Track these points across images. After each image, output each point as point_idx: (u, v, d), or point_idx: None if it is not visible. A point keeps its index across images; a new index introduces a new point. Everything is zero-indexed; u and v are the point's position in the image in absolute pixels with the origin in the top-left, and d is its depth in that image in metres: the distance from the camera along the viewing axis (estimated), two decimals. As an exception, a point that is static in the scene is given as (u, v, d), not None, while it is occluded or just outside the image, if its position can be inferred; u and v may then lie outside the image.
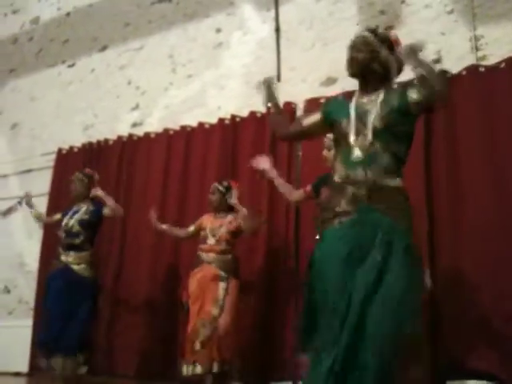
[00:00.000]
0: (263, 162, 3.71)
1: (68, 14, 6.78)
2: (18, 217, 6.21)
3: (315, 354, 2.07)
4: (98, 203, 4.49)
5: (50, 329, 4.20)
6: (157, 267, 4.99)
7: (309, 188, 3.60)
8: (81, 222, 4.40)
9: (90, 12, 6.54)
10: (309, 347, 2.14)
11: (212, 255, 3.92)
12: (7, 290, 6.21)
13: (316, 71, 4.82)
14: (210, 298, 3.79)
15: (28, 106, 6.76)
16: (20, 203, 5.82)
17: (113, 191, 5.32)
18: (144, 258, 5.07)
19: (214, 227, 4.00)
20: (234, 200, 3.97)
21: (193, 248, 4.74)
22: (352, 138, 2.23)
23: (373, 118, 2.21)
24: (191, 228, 4.21)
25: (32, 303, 5.67)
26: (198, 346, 3.71)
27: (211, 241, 3.96)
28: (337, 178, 2.26)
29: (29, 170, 6.39)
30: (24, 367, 5.43)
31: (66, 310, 4.19)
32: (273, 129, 2.56)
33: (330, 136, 3.42)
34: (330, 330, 2.03)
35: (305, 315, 2.20)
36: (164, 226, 4.37)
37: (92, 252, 4.45)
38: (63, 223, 4.46)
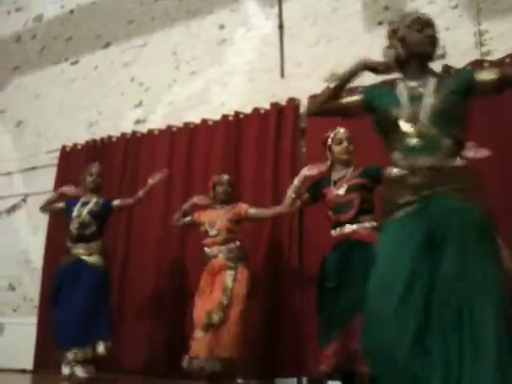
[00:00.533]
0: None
1: (71, 12, 6.78)
2: (22, 214, 6.23)
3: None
4: (107, 199, 4.57)
5: (73, 324, 4.17)
6: (162, 261, 4.99)
7: (305, 196, 3.49)
8: (92, 214, 4.44)
9: (94, 9, 6.54)
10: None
11: (216, 248, 3.91)
12: (12, 288, 6.22)
13: (320, 67, 4.80)
14: (219, 287, 3.75)
15: (32, 103, 6.77)
16: (24, 200, 5.84)
17: (117, 188, 5.35)
18: (149, 252, 5.07)
19: (212, 219, 4.00)
20: None
21: (198, 242, 4.76)
22: (407, 125, 2.10)
23: (428, 102, 2.10)
24: (188, 218, 4.21)
25: (37, 300, 5.69)
26: (200, 333, 3.69)
27: (212, 233, 3.95)
28: (395, 170, 2.11)
29: (33, 168, 6.40)
30: (29, 364, 5.44)
31: (85, 302, 4.20)
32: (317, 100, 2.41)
33: (341, 130, 3.42)
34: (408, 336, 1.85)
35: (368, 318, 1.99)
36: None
37: (102, 242, 4.49)
38: (74, 214, 4.46)
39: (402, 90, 2.17)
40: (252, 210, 4.00)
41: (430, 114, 2.08)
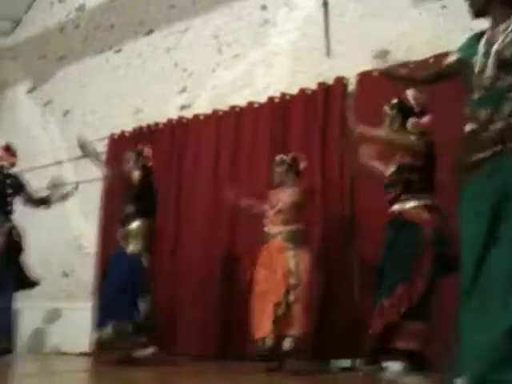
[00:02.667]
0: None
1: (113, 0, 6.82)
2: (74, 201, 6.36)
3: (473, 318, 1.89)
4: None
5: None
6: (213, 246, 5.04)
7: None
8: (129, 196, 4.49)
9: (135, -4, 6.57)
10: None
11: (276, 228, 3.90)
12: (66, 274, 6.41)
13: (367, 44, 4.67)
14: (281, 271, 3.73)
15: (78, 92, 6.88)
16: (76, 188, 5.96)
17: (164, 173, 5.40)
18: (199, 237, 5.12)
19: (275, 200, 3.98)
20: None
21: (249, 225, 4.78)
22: (477, 77, 2.00)
23: (495, 50, 1.97)
24: (266, 206, 4.12)
25: (90, 286, 5.83)
26: (270, 320, 3.66)
27: (273, 213, 3.94)
28: (467, 126, 2.01)
29: (82, 156, 6.51)
30: (85, 348, 5.59)
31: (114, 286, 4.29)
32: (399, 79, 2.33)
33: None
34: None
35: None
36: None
37: (138, 224, 4.43)
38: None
39: (483, 40, 2.06)
40: None
41: (494, 63, 1.96)
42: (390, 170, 3.32)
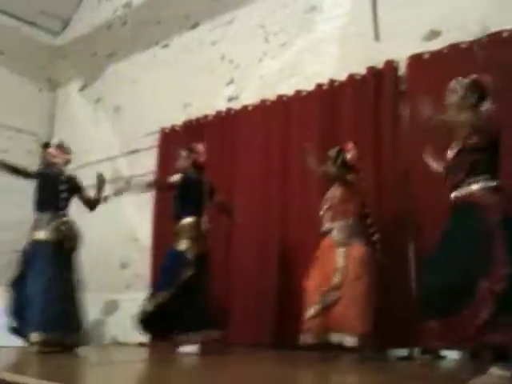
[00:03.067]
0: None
1: (158, -5, 6.89)
2: (128, 196, 6.50)
3: None
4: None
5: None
6: (265, 237, 5.04)
7: None
8: (174, 196, 4.53)
9: (180, -10, 6.61)
10: None
11: (328, 224, 3.89)
12: (124, 266, 6.56)
13: (417, 26, 4.58)
14: (330, 266, 3.74)
15: (128, 88, 7.00)
16: (129, 183, 6.08)
17: (214, 166, 5.42)
18: (251, 228, 5.13)
19: (327, 197, 3.97)
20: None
21: (299, 218, 4.77)
22: None
23: None
24: None
25: (148, 277, 5.94)
26: (312, 313, 3.69)
27: (325, 208, 3.93)
28: None
29: (134, 151, 6.65)
30: (143, 338, 5.70)
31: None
32: None
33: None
34: None
35: None
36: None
37: (185, 222, 4.46)
38: None
39: None
40: None
41: None
42: (452, 152, 3.16)
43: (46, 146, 4.75)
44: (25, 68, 7.93)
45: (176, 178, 4.43)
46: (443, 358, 3.90)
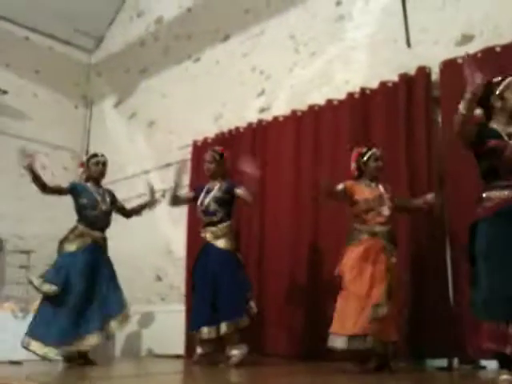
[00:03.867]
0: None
1: (189, 10, 7.00)
2: (162, 208, 6.56)
3: None
4: (231, 180, 4.58)
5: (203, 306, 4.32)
6: (298, 246, 5.02)
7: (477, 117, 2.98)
8: (216, 200, 4.48)
9: (210, 4, 6.70)
10: None
11: (378, 227, 3.78)
12: (159, 278, 6.62)
13: (449, 30, 4.52)
14: (381, 272, 3.63)
15: (161, 103, 7.10)
16: (163, 196, 6.14)
17: (247, 177, 5.42)
18: (284, 239, 5.11)
19: (374, 198, 3.85)
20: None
21: (331, 223, 4.72)
22: None
23: None
24: (340, 186, 3.98)
25: (183, 289, 5.98)
26: (369, 320, 3.55)
27: (378, 210, 3.81)
28: None
29: (168, 164, 6.72)
30: (180, 350, 5.72)
31: (211, 283, 4.28)
32: None
33: None
34: None
35: None
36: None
37: (228, 224, 4.47)
38: (199, 202, 4.54)
39: None
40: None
41: None
42: None
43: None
44: (60, 86, 8.14)
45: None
46: (483, 368, 3.80)
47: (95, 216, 4.72)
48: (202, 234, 4.50)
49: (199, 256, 4.52)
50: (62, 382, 3.29)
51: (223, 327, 4.13)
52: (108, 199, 4.85)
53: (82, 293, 4.46)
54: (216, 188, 4.53)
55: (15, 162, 7.39)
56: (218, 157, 4.60)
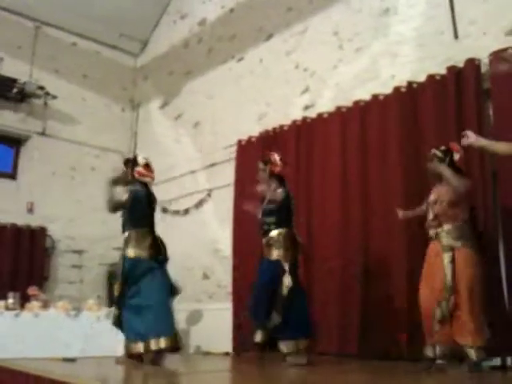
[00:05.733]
0: (472, 137, 3.37)
1: (232, 10, 7.05)
2: (209, 207, 6.66)
3: None
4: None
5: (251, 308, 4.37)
6: (347, 245, 4.97)
7: None
8: (263, 210, 4.43)
9: (252, 4, 6.72)
10: None
11: (433, 230, 3.73)
12: (206, 276, 6.69)
13: (499, 21, 4.39)
14: (438, 274, 3.58)
15: (206, 104, 7.18)
16: (209, 195, 6.21)
17: (293, 174, 5.42)
18: (332, 237, 5.08)
19: (431, 201, 3.80)
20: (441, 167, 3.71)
21: (380, 220, 4.66)
22: None
23: None
24: (423, 206, 3.97)
25: (229, 287, 6.02)
26: (436, 326, 3.54)
27: (431, 214, 3.76)
28: None
29: (213, 164, 6.79)
30: (227, 347, 5.76)
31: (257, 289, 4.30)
32: None
33: None
34: None
35: None
36: (401, 213, 4.17)
37: (277, 233, 4.34)
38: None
39: None
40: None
41: None
42: None
43: (133, 163, 4.67)
44: (108, 89, 8.35)
45: (279, 195, 4.37)
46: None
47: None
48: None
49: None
50: (116, 378, 3.36)
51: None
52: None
53: None
54: (267, 197, 4.47)
55: (67, 166, 7.71)
56: (262, 165, 4.54)
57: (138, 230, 4.35)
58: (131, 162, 4.61)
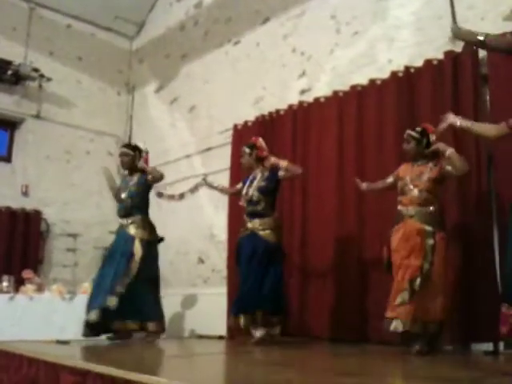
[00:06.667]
0: (450, 118, 3.32)
1: (229, -7, 6.97)
2: (204, 192, 6.62)
3: None
4: (273, 169, 4.56)
5: (241, 290, 4.44)
6: (341, 229, 4.97)
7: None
8: (260, 189, 4.51)
9: (249, -14, 6.65)
10: None
11: (413, 208, 3.71)
12: (201, 261, 6.69)
13: (497, 5, 4.36)
14: (418, 253, 3.59)
15: (202, 87, 7.13)
16: (205, 180, 6.19)
17: (289, 159, 5.39)
18: (326, 221, 5.08)
19: (413, 176, 3.77)
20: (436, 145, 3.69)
21: (376, 205, 4.66)
22: None
23: None
24: (389, 179, 4.03)
25: (224, 272, 6.03)
26: (400, 300, 3.56)
27: (412, 192, 3.74)
28: None
29: (209, 149, 6.76)
30: (222, 331, 5.78)
31: (255, 273, 4.35)
32: None
33: None
34: None
35: None
36: (364, 185, 4.28)
37: (275, 217, 4.54)
38: (243, 192, 4.63)
39: None
40: (448, 167, 3.68)
41: None
42: None
43: (139, 151, 5.03)
44: (103, 72, 8.28)
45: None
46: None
47: (119, 206, 5.01)
48: (248, 224, 4.52)
49: (242, 243, 4.56)
50: (111, 360, 3.37)
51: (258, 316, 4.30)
52: (134, 186, 4.91)
53: None
54: (259, 177, 4.56)
55: (62, 149, 7.67)
56: (248, 150, 4.68)
57: (145, 215, 4.91)
58: (138, 150, 5.04)
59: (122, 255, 4.70)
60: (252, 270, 4.37)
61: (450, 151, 3.61)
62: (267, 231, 4.45)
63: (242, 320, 4.34)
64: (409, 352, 3.58)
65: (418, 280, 3.54)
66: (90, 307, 4.58)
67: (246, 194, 4.59)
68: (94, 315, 4.47)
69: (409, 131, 3.88)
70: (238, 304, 4.43)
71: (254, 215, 4.51)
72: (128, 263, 4.65)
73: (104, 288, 4.56)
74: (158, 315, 4.83)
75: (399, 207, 3.81)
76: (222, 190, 5.23)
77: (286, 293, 4.69)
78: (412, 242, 3.64)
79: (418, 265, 3.57)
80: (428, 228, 3.64)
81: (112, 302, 4.51)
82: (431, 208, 3.71)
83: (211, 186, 5.14)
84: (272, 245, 4.43)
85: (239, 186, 4.84)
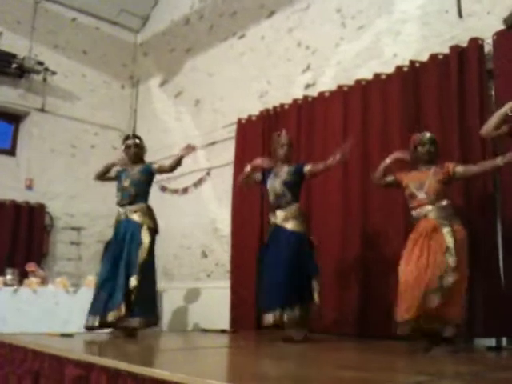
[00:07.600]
0: None
1: (233, -14, 6.94)
2: (208, 186, 6.64)
3: None
4: (297, 163, 4.51)
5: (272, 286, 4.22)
6: (347, 224, 4.96)
7: None
8: (285, 183, 4.40)
9: (254, -20, 6.62)
10: None
11: (425, 207, 3.66)
12: (205, 255, 6.70)
13: (502, 1, 4.33)
14: (439, 247, 3.49)
15: (206, 81, 7.11)
16: (208, 174, 6.19)
17: (294, 154, 5.34)
18: (332, 217, 5.06)
19: (420, 181, 3.72)
20: None
21: (381, 201, 4.65)
22: None
23: None
24: (390, 178, 3.96)
25: (228, 266, 6.04)
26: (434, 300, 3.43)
27: (420, 196, 3.69)
28: None
29: (213, 143, 6.75)
30: (225, 325, 5.79)
31: (288, 266, 4.17)
32: None
33: None
34: None
35: None
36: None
37: (298, 207, 4.38)
38: (269, 186, 4.47)
39: None
40: (459, 168, 3.66)
41: None
42: None
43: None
44: (107, 66, 8.27)
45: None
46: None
47: (121, 195, 4.83)
48: (272, 218, 4.41)
49: (269, 240, 4.42)
50: (109, 354, 3.38)
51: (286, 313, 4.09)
52: (137, 174, 4.84)
53: None
54: (284, 171, 4.45)
55: (66, 143, 7.67)
56: (289, 143, 4.52)
57: (148, 204, 4.83)
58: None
59: (131, 242, 4.58)
60: (283, 262, 4.18)
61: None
62: (290, 221, 4.30)
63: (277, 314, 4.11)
64: (428, 349, 3.49)
65: (449, 277, 3.42)
66: (91, 311, 4.49)
67: (273, 187, 4.43)
68: (95, 322, 4.42)
69: (429, 134, 3.82)
70: (270, 298, 4.21)
71: (277, 208, 4.39)
72: (137, 251, 4.53)
73: (112, 285, 4.47)
74: (150, 310, 4.65)
75: (412, 213, 3.77)
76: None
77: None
78: (430, 237, 3.57)
79: (443, 259, 3.46)
80: (443, 221, 3.58)
81: (133, 282, 4.43)
82: (443, 203, 3.65)
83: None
84: (296, 234, 4.26)
85: (258, 176, 4.62)
